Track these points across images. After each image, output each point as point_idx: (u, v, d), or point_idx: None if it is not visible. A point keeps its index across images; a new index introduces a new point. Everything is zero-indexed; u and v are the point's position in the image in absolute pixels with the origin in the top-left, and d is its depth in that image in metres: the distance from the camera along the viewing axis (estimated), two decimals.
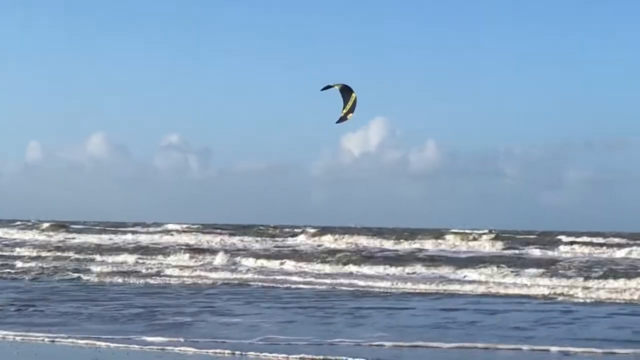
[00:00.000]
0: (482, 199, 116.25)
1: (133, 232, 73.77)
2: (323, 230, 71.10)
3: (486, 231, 73.33)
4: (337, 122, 20.75)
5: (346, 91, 20.63)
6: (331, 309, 26.41)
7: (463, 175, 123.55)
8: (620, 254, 50.55)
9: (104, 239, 65.52)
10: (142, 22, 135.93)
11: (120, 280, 37.18)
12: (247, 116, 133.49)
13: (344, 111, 20.58)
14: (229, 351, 18.20)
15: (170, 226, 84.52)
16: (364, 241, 61.73)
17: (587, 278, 36.53)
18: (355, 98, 20.51)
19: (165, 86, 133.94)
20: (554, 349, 18.98)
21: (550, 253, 52.16)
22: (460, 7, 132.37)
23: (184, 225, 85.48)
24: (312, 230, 72.84)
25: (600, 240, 63.19)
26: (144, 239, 66.41)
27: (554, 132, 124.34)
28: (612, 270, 38.91)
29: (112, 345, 19.06)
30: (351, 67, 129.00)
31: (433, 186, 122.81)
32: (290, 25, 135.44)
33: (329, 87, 20.59)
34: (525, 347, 19.16)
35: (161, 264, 45.24)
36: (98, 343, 19.29)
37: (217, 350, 18.28)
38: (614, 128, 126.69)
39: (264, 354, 17.92)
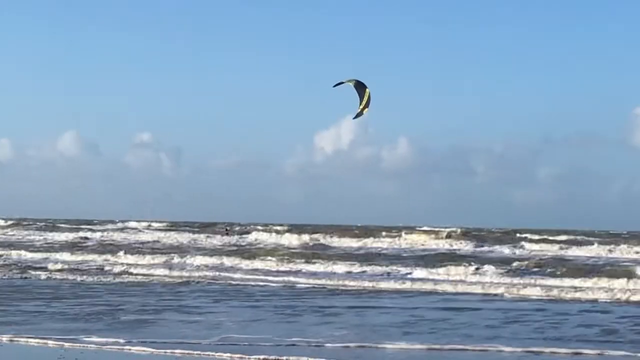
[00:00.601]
0: (453, 196, 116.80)
1: (102, 230, 73.38)
2: (286, 228, 71.37)
3: (454, 229, 73.43)
4: (354, 118, 20.94)
5: (360, 87, 20.78)
6: (299, 307, 25.91)
7: (435, 173, 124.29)
8: (579, 251, 50.80)
9: (70, 236, 64.98)
10: (113, 21, 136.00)
11: (80, 278, 36.52)
12: (219, 114, 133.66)
13: (361, 107, 20.74)
14: (183, 351, 17.66)
15: (133, 224, 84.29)
16: (324, 239, 61.77)
17: (543, 275, 36.50)
18: (369, 93, 20.70)
19: (137, 85, 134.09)
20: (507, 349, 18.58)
21: (512, 251, 52.21)
22: (436, 5, 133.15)
23: (153, 224, 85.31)
24: (278, 228, 72.83)
25: (564, 237, 63.47)
26: (109, 236, 65.98)
27: (525, 130, 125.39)
28: (569, 268, 38.83)
29: (66, 345, 18.39)
30: (323, 65, 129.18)
31: (405, 183, 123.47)
32: (260, 23, 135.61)
33: (341, 83, 20.70)
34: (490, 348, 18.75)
35: (126, 263, 44.62)
36: (50, 343, 18.63)
37: (176, 351, 17.66)
38: (585, 126, 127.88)
39: (218, 353, 17.32)
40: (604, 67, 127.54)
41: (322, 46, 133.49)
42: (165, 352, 17.61)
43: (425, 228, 75.69)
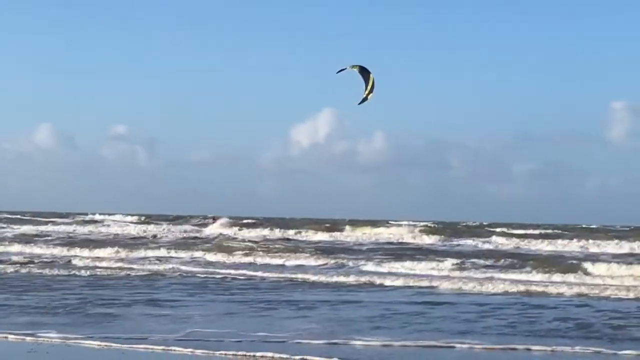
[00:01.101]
0: (429, 191, 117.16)
1: (68, 223, 72.97)
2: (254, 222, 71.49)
3: (426, 223, 73.59)
4: (359, 104, 20.93)
5: (364, 72, 20.89)
6: (274, 301, 25.64)
7: (411, 167, 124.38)
8: (543, 245, 51.24)
9: (41, 229, 64.62)
10: (88, 13, 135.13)
11: (45, 271, 35.98)
12: (195, 107, 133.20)
13: (366, 92, 20.76)
14: (147, 346, 17.34)
15: (99, 217, 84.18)
16: (296, 233, 61.74)
17: (508, 269, 36.65)
18: (374, 79, 20.87)
19: (112, 77, 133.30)
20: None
21: (482, 245, 52.55)
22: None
23: (124, 217, 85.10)
24: (248, 221, 72.81)
25: (533, 232, 63.67)
26: (70, 230, 65.72)
27: (501, 126, 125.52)
28: (536, 262, 38.99)
29: (27, 339, 18.01)
30: (298, 57, 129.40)
31: (381, 177, 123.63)
32: (236, 17, 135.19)
33: (343, 69, 20.90)
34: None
35: (97, 256, 44.13)
36: (11, 337, 18.23)
37: (139, 346, 17.31)
38: (561, 122, 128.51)
39: (179, 348, 17.01)
40: (580, 63, 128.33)
41: (298, 40, 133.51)
42: (128, 348, 17.25)
43: (400, 222, 75.79)
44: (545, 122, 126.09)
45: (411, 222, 74.88)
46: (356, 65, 21.01)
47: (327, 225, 69.03)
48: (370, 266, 38.98)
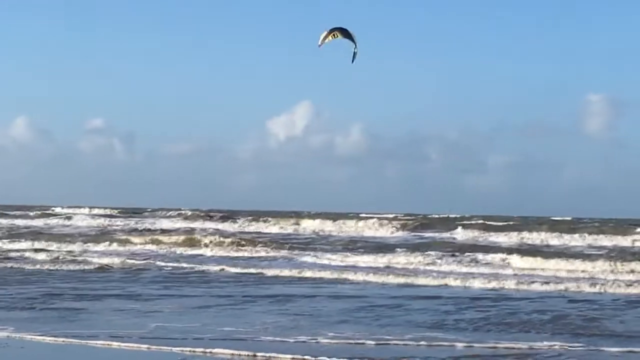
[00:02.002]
0: (407, 183, 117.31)
1: (54, 215, 74.45)
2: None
3: (397, 215, 74.13)
4: (353, 62, 21.03)
5: (346, 33, 21.06)
6: (254, 295, 25.77)
7: (388, 159, 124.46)
8: (504, 238, 51.69)
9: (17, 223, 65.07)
10: (64, 4, 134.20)
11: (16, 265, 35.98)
12: (172, 99, 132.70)
13: (355, 50, 20.85)
14: (104, 342, 17.36)
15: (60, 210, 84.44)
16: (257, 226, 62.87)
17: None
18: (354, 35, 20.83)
19: (89, 69, 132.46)
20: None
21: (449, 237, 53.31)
22: None
23: (92, 210, 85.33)
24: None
25: (496, 223, 64.21)
26: (55, 222, 66.81)
27: (478, 118, 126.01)
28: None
29: None
30: (275, 50, 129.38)
31: (359, 170, 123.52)
32: (212, 7, 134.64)
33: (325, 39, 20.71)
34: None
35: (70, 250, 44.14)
36: None
37: (98, 342, 17.33)
38: (536, 114, 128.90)
39: (137, 345, 17.00)
40: (555, 55, 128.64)
41: (275, 32, 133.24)
42: (87, 343, 17.30)
43: (371, 215, 76.08)
44: (521, 114, 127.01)
45: (381, 215, 75.19)
46: (336, 31, 21.01)
47: (291, 217, 69.55)
48: (319, 259, 39.62)
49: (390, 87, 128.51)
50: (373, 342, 17.67)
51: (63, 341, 17.61)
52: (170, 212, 77.26)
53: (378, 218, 68.50)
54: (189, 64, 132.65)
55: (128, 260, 38.20)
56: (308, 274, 33.47)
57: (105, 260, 37.72)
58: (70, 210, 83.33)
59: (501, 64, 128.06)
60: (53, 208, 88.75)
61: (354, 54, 21.08)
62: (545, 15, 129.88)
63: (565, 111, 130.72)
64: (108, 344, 17.29)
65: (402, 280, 31.48)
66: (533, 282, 30.39)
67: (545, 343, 17.79)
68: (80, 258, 38.82)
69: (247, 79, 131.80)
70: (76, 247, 44.76)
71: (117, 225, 63.96)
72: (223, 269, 35.04)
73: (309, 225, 63.79)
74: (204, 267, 35.97)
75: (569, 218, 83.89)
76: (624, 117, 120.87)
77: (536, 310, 22.99)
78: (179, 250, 44.54)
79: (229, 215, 72.19)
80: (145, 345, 17.02)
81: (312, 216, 71.48)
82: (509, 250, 41.74)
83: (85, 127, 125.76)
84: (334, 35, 20.96)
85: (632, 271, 34.45)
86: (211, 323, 20.11)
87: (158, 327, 19.26)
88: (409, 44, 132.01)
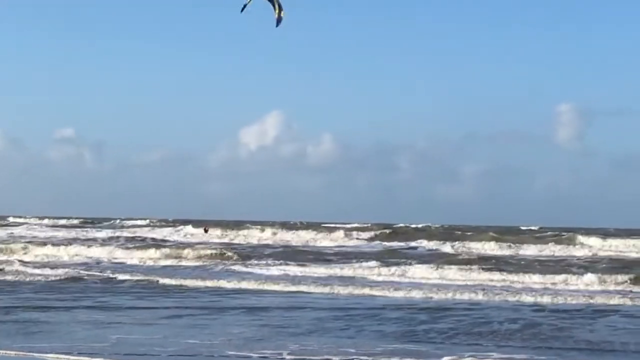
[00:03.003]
0: (377, 193, 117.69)
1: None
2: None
3: (357, 225, 74.03)
4: (277, 26, 20.58)
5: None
6: (226, 307, 25.51)
7: (359, 169, 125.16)
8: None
9: None
10: (34, 17, 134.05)
11: None
12: (142, 108, 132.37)
13: (277, 12, 20.38)
14: (56, 355, 16.89)
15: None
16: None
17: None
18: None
19: (60, 80, 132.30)
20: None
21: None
22: (359, 1, 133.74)
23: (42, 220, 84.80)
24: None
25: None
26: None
27: (448, 127, 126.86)
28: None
29: None
30: (246, 61, 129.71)
31: (330, 179, 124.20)
32: (184, 18, 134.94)
33: (245, 6, 20.25)
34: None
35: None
36: None
37: (48, 355, 16.87)
38: (508, 123, 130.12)
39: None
40: (527, 65, 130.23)
41: (246, 43, 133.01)
42: (33, 355, 16.87)
43: (338, 224, 76.23)
44: (492, 123, 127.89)
45: (339, 224, 75.46)
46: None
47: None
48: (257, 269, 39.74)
49: (359, 97, 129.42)
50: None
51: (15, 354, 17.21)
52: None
53: (335, 227, 68.91)
54: (160, 73, 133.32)
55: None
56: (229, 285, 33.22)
57: None
58: (21, 220, 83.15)
59: (471, 74, 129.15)
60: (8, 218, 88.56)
61: (278, 19, 20.53)
62: (516, 25, 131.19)
63: (536, 120, 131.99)
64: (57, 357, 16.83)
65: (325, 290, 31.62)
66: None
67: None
68: None
69: (218, 89, 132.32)
70: None
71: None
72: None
73: (259, 235, 63.69)
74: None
75: (535, 227, 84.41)
76: (592, 127, 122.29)
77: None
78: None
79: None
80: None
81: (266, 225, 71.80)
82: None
83: (55, 137, 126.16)
84: None
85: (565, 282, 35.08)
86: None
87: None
88: (377, 54, 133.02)
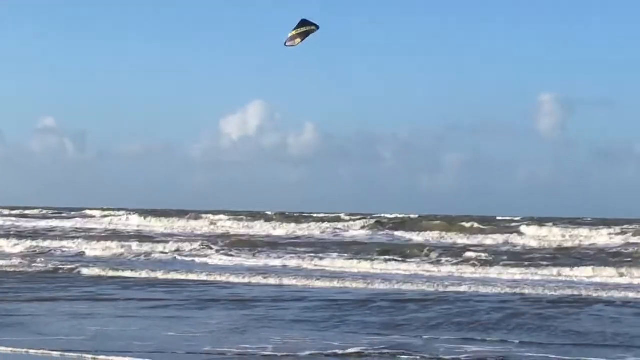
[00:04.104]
0: (360, 183, 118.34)
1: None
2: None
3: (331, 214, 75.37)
4: (285, 44, 20.56)
5: (306, 24, 20.82)
6: (212, 299, 26.05)
7: (342, 159, 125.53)
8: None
9: None
10: (14, 4, 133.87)
11: None
12: (123, 98, 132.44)
13: (293, 32, 20.30)
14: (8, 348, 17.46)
15: None
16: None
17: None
18: (314, 30, 20.69)
19: (40, 68, 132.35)
20: None
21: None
22: None
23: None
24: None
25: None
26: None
27: (431, 117, 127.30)
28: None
29: None
30: (226, 50, 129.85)
31: (312, 170, 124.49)
32: (164, 8, 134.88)
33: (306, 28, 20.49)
34: None
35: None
36: None
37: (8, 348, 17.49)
38: (490, 113, 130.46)
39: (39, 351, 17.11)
40: (508, 54, 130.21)
41: (227, 31, 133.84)
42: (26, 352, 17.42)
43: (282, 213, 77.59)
44: (474, 114, 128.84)
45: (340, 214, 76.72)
46: (301, 30, 20.85)
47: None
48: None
49: (342, 86, 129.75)
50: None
51: None
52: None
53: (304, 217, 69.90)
54: (141, 62, 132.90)
55: None
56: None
57: None
58: None
59: (454, 64, 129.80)
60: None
61: (291, 37, 20.91)
62: (497, 16, 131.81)
63: (518, 110, 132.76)
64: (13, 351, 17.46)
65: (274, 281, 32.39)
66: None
67: None
68: None
69: (199, 78, 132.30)
70: None
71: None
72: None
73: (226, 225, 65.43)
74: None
75: (518, 218, 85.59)
76: (573, 116, 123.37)
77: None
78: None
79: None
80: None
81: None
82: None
83: (36, 126, 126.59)
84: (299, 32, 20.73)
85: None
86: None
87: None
88: (360, 43, 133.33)
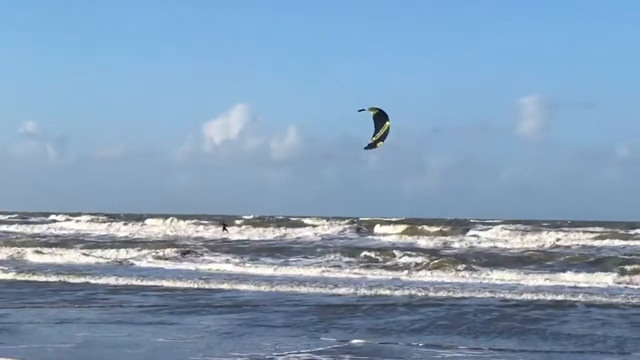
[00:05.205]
0: (345, 185, 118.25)
1: None
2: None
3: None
4: (365, 148, 20.57)
5: (380, 117, 20.75)
6: (172, 305, 24.46)
7: (325, 162, 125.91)
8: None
9: None
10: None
11: None
12: (106, 102, 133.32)
13: (374, 139, 20.45)
14: None
15: None
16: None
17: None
18: (389, 127, 20.68)
19: (22, 74, 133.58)
20: None
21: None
22: None
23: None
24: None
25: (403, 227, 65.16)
26: None
27: (415, 119, 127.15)
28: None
29: None
30: (211, 54, 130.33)
31: (295, 173, 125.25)
32: (145, 12, 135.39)
33: (363, 109, 20.72)
34: None
35: None
36: None
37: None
38: (473, 116, 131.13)
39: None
40: (491, 58, 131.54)
41: (210, 36, 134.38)
42: None
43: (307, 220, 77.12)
44: (458, 117, 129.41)
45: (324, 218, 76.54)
46: (375, 109, 20.78)
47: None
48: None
49: (324, 89, 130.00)
50: None
51: None
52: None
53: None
54: (123, 67, 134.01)
55: None
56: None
57: None
58: None
59: (437, 67, 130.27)
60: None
61: (370, 144, 20.65)
62: (479, 18, 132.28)
63: (501, 113, 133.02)
64: None
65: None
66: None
67: None
68: None
69: (182, 82, 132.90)
70: None
71: None
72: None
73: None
74: None
75: (499, 220, 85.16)
76: (556, 119, 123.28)
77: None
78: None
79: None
80: None
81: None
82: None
83: (18, 131, 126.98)
84: (372, 110, 20.68)
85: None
86: None
87: None
88: (342, 46, 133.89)
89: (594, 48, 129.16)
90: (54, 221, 78.94)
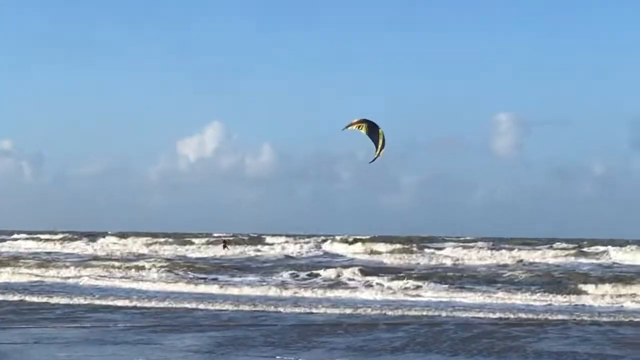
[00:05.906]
0: (319, 202, 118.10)
1: None
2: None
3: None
4: (370, 162, 21.49)
5: (371, 128, 21.30)
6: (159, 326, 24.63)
7: (299, 179, 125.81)
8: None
9: None
10: None
11: None
12: (81, 121, 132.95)
13: (378, 152, 21.20)
14: None
15: None
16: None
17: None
18: (383, 134, 21.30)
19: None
20: None
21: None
22: (297, 5, 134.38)
23: None
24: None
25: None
26: None
27: (388, 135, 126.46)
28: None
29: None
30: (183, 73, 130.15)
31: (270, 190, 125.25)
32: (118, 29, 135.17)
33: (349, 126, 21.18)
34: None
35: None
36: None
37: None
38: (447, 132, 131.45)
39: None
40: (465, 74, 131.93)
41: (184, 53, 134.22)
42: None
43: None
44: (431, 133, 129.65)
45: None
46: (361, 122, 21.23)
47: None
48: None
49: (299, 107, 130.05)
50: None
51: None
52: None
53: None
54: (98, 84, 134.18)
55: None
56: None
57: None
58: None
59: (410, 82, 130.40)
60: None
61: (375, 158, 21.48)
62: (456, 34, 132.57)
63: (474, 129, 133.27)
64: None
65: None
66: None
67: None
68: None
69: (157, 100, 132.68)
70: None
71: None
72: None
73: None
74: None
75: (470, 237, 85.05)
76: (530, 136, 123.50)
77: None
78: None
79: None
80: None
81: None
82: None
83: None
84: (359, 126, 21.16)
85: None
86: None
87: None
88: (313, 63, 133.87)
89: (567, 66, 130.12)
90: (15, 239, 78.28)
